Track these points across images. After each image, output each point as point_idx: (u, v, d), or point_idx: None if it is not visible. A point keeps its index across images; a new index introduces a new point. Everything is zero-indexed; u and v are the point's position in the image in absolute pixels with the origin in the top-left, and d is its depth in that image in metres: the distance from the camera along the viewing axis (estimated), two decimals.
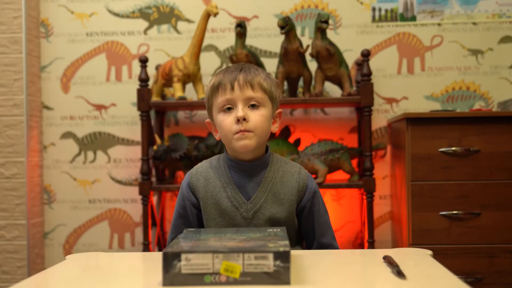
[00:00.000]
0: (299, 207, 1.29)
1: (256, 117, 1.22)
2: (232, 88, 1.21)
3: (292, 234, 1.28)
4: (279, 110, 1.32)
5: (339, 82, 2.32)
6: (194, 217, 1.31)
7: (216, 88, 1.24)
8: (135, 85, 2.56)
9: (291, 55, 2.22)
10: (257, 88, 1.23)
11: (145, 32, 2.62)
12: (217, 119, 1.25)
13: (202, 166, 1.33)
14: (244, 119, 1.20)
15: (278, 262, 0.82)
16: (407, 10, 2.55)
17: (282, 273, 0.82)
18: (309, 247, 1.32)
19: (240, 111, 1.20)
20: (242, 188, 1.26)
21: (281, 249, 0.83)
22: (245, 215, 1.24)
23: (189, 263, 0.82)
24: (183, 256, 0.82)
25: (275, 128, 1.31)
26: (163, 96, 2.46)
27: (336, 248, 1.31)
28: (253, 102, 1.22)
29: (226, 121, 1.22)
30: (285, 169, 1.30)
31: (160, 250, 2.44)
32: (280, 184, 1.27)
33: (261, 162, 1.28)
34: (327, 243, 1.30)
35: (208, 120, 1.33)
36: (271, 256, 0.82)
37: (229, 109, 1.23)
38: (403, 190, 2.17)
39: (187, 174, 1.33)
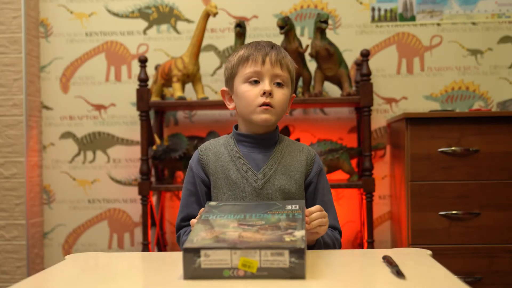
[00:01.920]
0: (306, 181, 1.31)
1: (280, 95, 1.26)
2: (263, 62, 1.25)
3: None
4: (293, 94, 1.37)
5: (338, 82, 2.32)
6: (203, 195, 1.31)
7: (245, 59, 1.27)
8: (135, 85, 2.56)
9: (290, 55, 2.19)
10: (285, 68, 1.28)
11: (144, 32, 2.62)
12: (240, 89, 1.27)
13: (210, 144, 1.34)
14: (270, 94, 1.24)
15: (293, 259, 0.85)
16: (407, 10, 2.55)
17: (297, 269, 0.85)
18: None
19: (267, 85, 1.24)
20: (252, 160, 1.28)
21: (297, 245, 0.85)
22: (255, 185, 1.25)
23: (208, 258, 0.86)
24: (202, 252, 0.86)
25: (287, 110, 1.35)
26: (162, 96, 2.46)
27: (339, 229, 1.32)
28: (279, 80, 1.27)
29: (251, 92, 1.25)
30: (293, 146, 1.34)
31: (159, 250, 2.44)
32: (290, 158, 1.30)
33: (271, 137, 1.31)
34: (330, 224, 1.29)
35: (224, 88, 1.35)
36: (286, 252, 0.85)
37: (255, 82, 1.26)
38: (402, 190, 2.17)
39: (195, 152, 1.34)
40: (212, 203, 1.12)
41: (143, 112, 2.26)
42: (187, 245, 0.87)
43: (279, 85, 1.26)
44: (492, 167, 2.06)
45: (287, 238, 0.88)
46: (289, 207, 1.06)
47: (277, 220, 0.98)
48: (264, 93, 1.23)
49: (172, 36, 2.61)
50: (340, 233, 1.32)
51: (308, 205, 1.32)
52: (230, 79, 1.32)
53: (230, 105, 1.33)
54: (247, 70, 1.26)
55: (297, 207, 1.05)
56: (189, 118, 2.60)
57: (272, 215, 1.01)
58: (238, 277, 0.86)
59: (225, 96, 1.35)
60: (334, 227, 1.31)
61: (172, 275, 0.92)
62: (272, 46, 1.29)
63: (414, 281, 0.86)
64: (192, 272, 0.86)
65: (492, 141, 2.07)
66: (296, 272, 0.85)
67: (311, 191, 1.32)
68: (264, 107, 1.23)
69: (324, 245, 1.22)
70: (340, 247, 1.30)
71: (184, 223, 1.32)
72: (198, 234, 0.93)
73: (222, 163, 1.29)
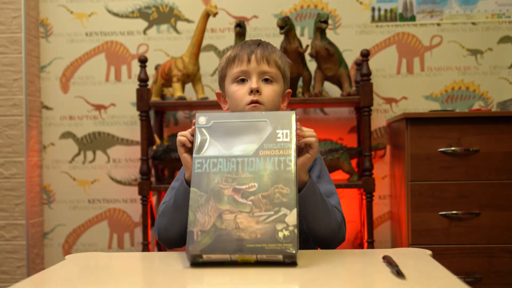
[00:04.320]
0: None
1: (269, 91, 1.25)
2: (249, 61, 1.25)
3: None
4: (289, 90, 1.35)
5: (338, 82, 2.32)
6: None
7: (232, 60, 1.27)
8: (135, 85, 2.56)
9: (290, 55, 2.22)
10: (272, 64, 1.26)
11: (144, 32, 2.62)
12: (230, 89, 1.28)
13: None
14: (257, 91, 1.23)
15: (286, 260, 0.94)
16: (407, 10, 2.55)
17: (290, 264, 0.95)
18: None
19: (254, 82, 1.24)
20: None
21: (290, 250, 0.93)
22: None
23: (210, 258, 0.96)
24: (205, 257, 0.96)
25: (284, 106, 1.34)
26: (162, 96, 2.46)
27: (340, 212, 1.24)
28: (267, 77, 1.26)
29: (239, 92, 1.25)
30: None
31: (159, 250, 2.44)
32: None
33: None
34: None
35: (218, 91, 1.36)
36: (280, 256, 0.93)
37: (243, 81, 1.26)
38: (402, 190, 2.17)
39: None
40: (202, 120, 1.07)
41: (143, 112, 2.26)
42: (191, 250, 0.95)
43: (268, 81, 1.26)
44: (491, 167, 2.06)
45: (280, 234, 0.94)
46: (280, 136, 1.03)
47: (270, 180, 0.98)
48: (251, 91, 1.23)
49: (172, 36, 2.61)
50: (342, 216, 1.25)
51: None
52: (221, 81, 1.33)
53: (225, 107, 1.34)
54: (234, 70, 1.26)
55: (288, 138, 1.02)
56: (189, 118, 2.60)
57: (264, 161, 1.00)
58: (238, 264, 0.96)
59: (220, 99, 1.36)
60: (338, 210, 1.23)
61: (172, 272, 0.92)
62: (259, 43, 1.29)
63: (414, 281, 0.86)
64: (197, 264, 0.97)
65: (492, 141, 2.07)
66: (289, 263, 0.95)
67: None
68: (253, 105, 1.23)
69: (320, 195, 1.16)
70: (341, 223, 1.22)
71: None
72: (197, 219, 0.97)
73: None
